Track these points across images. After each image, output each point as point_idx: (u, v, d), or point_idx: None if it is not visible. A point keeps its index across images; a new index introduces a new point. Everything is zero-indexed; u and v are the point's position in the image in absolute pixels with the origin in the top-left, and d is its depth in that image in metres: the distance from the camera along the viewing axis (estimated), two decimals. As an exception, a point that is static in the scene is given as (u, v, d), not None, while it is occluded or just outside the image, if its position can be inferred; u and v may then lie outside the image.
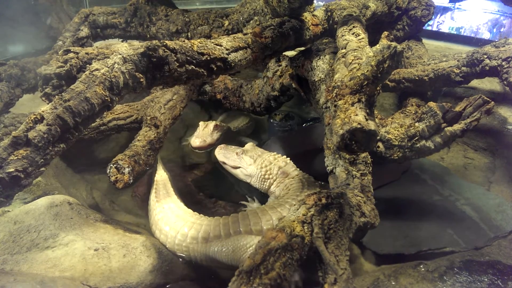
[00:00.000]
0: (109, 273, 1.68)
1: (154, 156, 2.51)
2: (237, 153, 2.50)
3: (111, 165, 2.15)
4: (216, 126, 3.03)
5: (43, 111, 1.45)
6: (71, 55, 1.66)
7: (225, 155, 2.57)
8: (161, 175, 2.47)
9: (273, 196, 2.36)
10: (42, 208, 1.92)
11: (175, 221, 2.04)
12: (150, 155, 2.41)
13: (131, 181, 2.16)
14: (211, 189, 2.62)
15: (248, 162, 2.44)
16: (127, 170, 2.14)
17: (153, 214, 2.17)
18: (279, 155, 2.50)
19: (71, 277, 1.62)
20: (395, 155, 2.05)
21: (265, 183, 2.39)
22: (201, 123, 3.05)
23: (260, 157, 2.46)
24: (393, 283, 1.68)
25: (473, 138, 3.01)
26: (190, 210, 2.15)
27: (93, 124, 2.63)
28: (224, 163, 2.57)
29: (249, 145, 2.61)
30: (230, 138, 3.20)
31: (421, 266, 1.77)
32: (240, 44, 2.04)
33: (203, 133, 2.95)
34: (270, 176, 2.38)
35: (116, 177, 2.13)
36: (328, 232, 1.35)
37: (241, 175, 2.50)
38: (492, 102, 1.97)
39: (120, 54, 1.61)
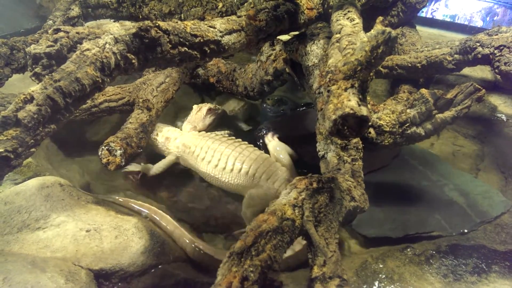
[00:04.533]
0: (101, 254, 1.69)
1: (146, 139, 2.49)
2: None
3: (103, 147, 2.14)
4: (210, 110, 2.97)
5: (33, 91, 1.42)
6: (61, 34, 1.63)
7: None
8: None
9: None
10: (33, 189, 1.91)
11: None
12: (142, 138, 2.40)
13: (123, 163, 2.15)
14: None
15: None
16: (119, 152, 2.13)
17: None
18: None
19: (62, 258, 1.63)
20: (386, 141, 2.07)
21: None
22: (194, 106, 3.00)
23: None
24: (381, 265, 1.73)
25: (463, 126, 3.04)
26: None
27: (84, 106, 2.60)
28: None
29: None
30: (225, 122, 3.18)
31: (408, 250, 1.81)
32: (234, 27, 2.01)
33: (195, 118, 2.92)
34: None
35: (108, 159, 2.12)
36: (318, 216, 1.37)
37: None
38: (483, 90, 1.99)
39: (112, 34, 1.57)
